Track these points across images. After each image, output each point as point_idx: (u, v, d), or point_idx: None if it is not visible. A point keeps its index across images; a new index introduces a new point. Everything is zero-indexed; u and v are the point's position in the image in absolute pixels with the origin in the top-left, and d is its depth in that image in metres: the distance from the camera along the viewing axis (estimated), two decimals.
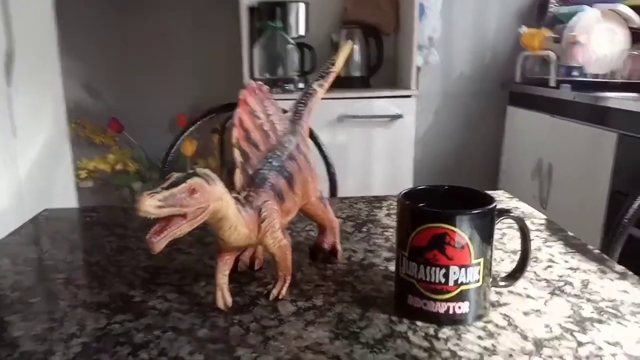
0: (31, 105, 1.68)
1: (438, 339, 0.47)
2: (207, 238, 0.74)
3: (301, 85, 2.05)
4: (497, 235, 0.74)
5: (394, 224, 0.79)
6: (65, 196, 1.98)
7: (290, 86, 1.96)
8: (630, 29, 2.05)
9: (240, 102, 0.54)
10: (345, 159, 1.98)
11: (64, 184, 1.99)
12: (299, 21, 2.11)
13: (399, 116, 1.97)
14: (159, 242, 0.44)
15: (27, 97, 1.64)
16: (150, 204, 0.42)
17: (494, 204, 0.50)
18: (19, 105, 1.54)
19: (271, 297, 0.55)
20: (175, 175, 0.45)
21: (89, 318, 0.52)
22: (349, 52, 0.69)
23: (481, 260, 0.49)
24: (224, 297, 0.53)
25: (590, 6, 2.07)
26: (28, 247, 0.74)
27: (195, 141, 2.25)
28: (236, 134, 0.53)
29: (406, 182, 2.04)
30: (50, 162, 1.83)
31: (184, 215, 0.44)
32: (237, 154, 0.52)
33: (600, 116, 1.77)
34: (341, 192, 1.28)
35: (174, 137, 1.29)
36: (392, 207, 0.89)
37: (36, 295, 0.58)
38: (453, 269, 0.48)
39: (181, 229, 0.45)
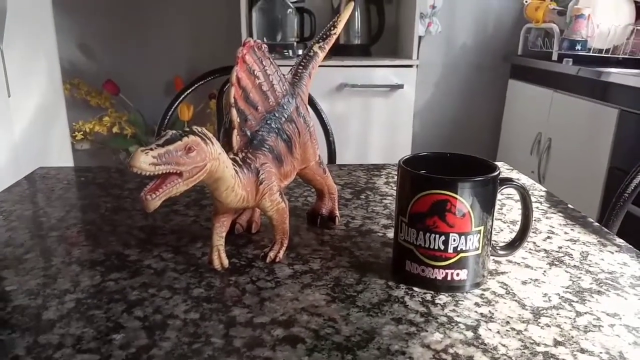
0: (25, 63, 1.65)
1: (435, 304, 0.47)
2: (204, 200, 0.74)
3: (300, 51, 2.01)
4: (497, 205, 0.74)
5: (393, 192, 0.78)
6: (61, 157, 1.96)
7: (289, 52, 1.93)
8: (636, 3, 2.01)
9: (238, 59, 0.52)
10: (344, 127, 1.96)
11: (60, 145, 1.97)
12: None
13: (399, 86, 1.94)
14: (154, 201, 0.42)
15: (20, 55, 1.60)
16: (145, 161, 0.40)
17: (497, 172, 0.49)
18: (11, 63, 1.51)
19: (268, 259, 0.55)
20: (171, 132, 0.43)
21: (83, 275, 0.52)
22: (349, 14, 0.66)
23: (481, 228, 0.48)
24: (220, 257, 0.53)
25: None
26: (21, 205, 0.73)
27: (192, 106, 2.22)
28: (234, 93, 0.51)
29: (404, 153, 2.02)
30: (45, 121, 1.81)
31: (179, 174, 0.43)
32: (234, 114, 0.51)
33: (602, 91, 1.76)
34: (339, 161, 1.27)
35: (170, 101, 1.27)
36: (390, 175, 0.88)
37: (29, 252, 0.57)
38: (453, 236, 0.47)
39: (177, 187, 0.43)
